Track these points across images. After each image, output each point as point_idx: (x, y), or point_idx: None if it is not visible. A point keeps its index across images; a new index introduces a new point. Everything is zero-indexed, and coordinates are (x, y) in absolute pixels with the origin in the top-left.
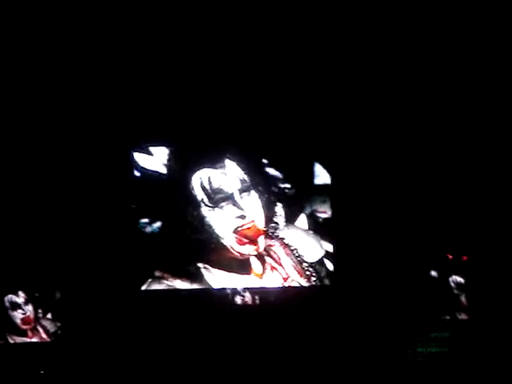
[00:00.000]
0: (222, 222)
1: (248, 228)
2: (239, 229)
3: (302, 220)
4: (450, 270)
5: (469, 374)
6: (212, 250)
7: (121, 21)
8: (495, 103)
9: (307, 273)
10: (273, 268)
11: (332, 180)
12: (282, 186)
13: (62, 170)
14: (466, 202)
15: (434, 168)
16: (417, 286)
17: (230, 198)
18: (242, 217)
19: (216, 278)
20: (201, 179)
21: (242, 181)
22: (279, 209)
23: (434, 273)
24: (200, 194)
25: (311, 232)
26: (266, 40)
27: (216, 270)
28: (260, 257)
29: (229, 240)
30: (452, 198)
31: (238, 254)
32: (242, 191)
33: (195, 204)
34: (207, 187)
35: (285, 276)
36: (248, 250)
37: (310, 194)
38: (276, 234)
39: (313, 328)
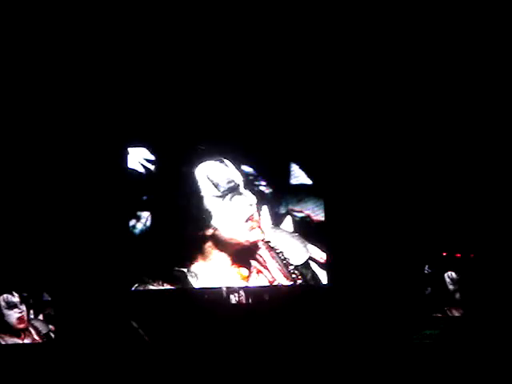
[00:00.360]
0: (234, 211)
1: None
2: (250, 217)
3: (288, 223)
4: (444, 268)
5: (462, 371)
6: (203, 250)
7: (112, 21)
8: (486, 100)
9: (293, 276)
10: (258, 271)
11: (326, 179)
12: (259, 183)
13: (51, 170)
14: (459, 200)
15: (427, 166)
16: (410, 283)
17: (235, 188)
18: (252, 205)
19: (202, 282)
20: (206, 171)
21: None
22: (265, 211)
23: (427, 270)
24: (207, 186)
25: (296, 235)
26: (251, 43)
27: (202, 273)
28: (246, 260)
29: (240, 229)
30: (445, 195)
31: (247, 242)
32: (244, 182)
33: (201, 196)
34: (214, 178)
35: (270, 279)
36: (255, 235)
37: (286, 192)
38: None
39: (306, 327)
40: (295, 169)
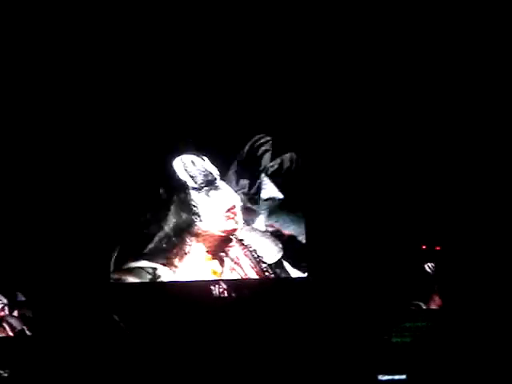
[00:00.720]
0: (211, 204)
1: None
2: (229, 208)
3: (260, 222)
4: (423, 261)
5: (443, 363)
6: (179, 243)
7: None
8: (467, 99)
9: (266, 273)
10: (232, 268)
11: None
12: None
13: (24, 170)
14: (438, 195)
15: (404, 161)
16: (390, 276)
17: (212, 181)
18: (229, 198)
19: (175, 276)
20: (184, 163)
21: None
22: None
23: (407, 263)
24: (185, 178)
25: (269, 234)
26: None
27: (177, 267)
28: (219, 257)
29: (218, 219)
30: (423, 191)
31: (223, 233)
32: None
33: (181, 188)
34: (191, 171)
35: (243, 276)
36: (231, 225)
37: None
38: (235, 235)
39: (288, 320)
40: (266, 181)
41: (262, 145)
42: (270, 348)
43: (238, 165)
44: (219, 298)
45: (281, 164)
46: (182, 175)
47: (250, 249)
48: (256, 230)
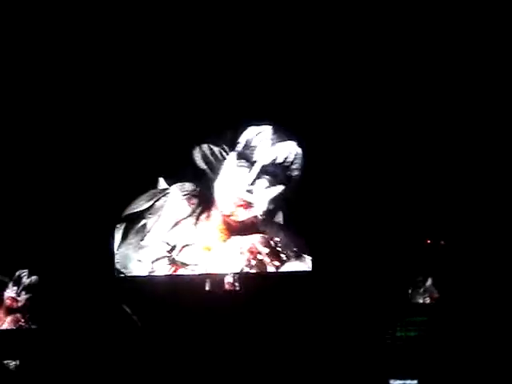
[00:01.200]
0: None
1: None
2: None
3: (280, 215)
4: (427, 255)
5: (446, 358)
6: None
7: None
8: (464, 100)
9: (285, 263)
10: (252, 258)
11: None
12: None
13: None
14: (441, 189)
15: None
16: (394, 270)
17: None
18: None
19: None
20: (202, 151)
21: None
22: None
23: (411, 257)
24: (202, 166)
25: (288, 227)
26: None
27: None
28: (236, 245)
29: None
30: (427, 186)
31: (239, 219)
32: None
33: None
34: (211, 158)
35: (261, 265)
36: (247, 211)
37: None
38: (253, 224)
39: (292, 315)
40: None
41: (259, 134)
42: (274, 346)
43: (235, 155)
44: (224, 291)
45: (278, 154)
46: (200, 163)
47: (270, 240)
48: (276, 222)
